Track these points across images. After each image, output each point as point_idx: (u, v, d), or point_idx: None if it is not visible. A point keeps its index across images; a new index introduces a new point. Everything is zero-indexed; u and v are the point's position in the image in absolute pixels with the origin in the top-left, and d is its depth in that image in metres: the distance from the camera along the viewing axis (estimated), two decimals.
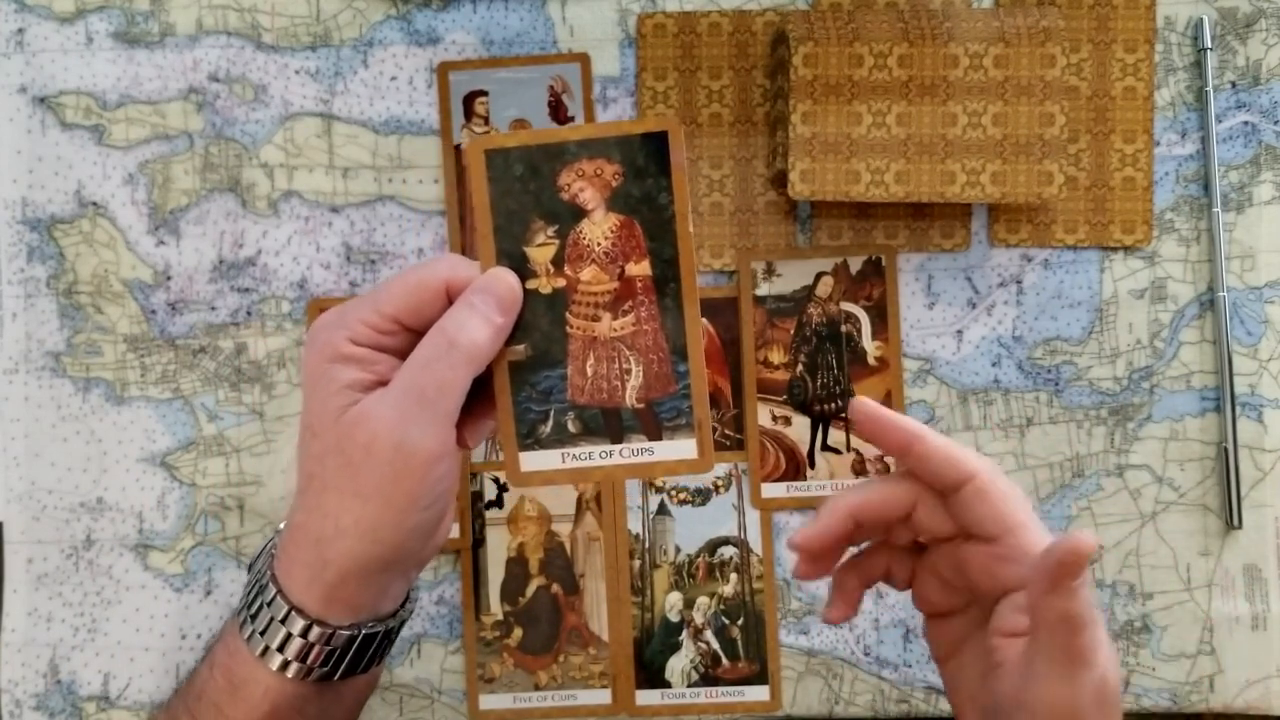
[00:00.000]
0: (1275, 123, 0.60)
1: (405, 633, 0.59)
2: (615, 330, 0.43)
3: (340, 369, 0.41)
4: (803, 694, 0.60)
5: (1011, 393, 0.60)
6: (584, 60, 0.60)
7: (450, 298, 0.42)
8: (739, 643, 0.59)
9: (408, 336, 0.42)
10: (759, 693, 0.59)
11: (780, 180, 0.58)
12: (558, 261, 0.43)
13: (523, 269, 0.42)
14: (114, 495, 0.60)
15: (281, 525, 0.46)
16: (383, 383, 0.41)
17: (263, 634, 0.43)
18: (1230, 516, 0.58)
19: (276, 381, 0.60)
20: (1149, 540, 0.59)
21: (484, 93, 0.60)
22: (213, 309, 0.60)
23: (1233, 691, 0.59)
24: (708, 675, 0.59)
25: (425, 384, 0.41)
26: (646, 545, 0.60)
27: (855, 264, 0.60)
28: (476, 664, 0.59)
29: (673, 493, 0.60)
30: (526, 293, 0.42)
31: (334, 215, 0.60)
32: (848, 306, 0.60)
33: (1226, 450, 0.59)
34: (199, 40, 0.60)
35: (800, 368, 0.60)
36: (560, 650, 0.59)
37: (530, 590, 0.60)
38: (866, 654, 0.60)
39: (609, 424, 0.43)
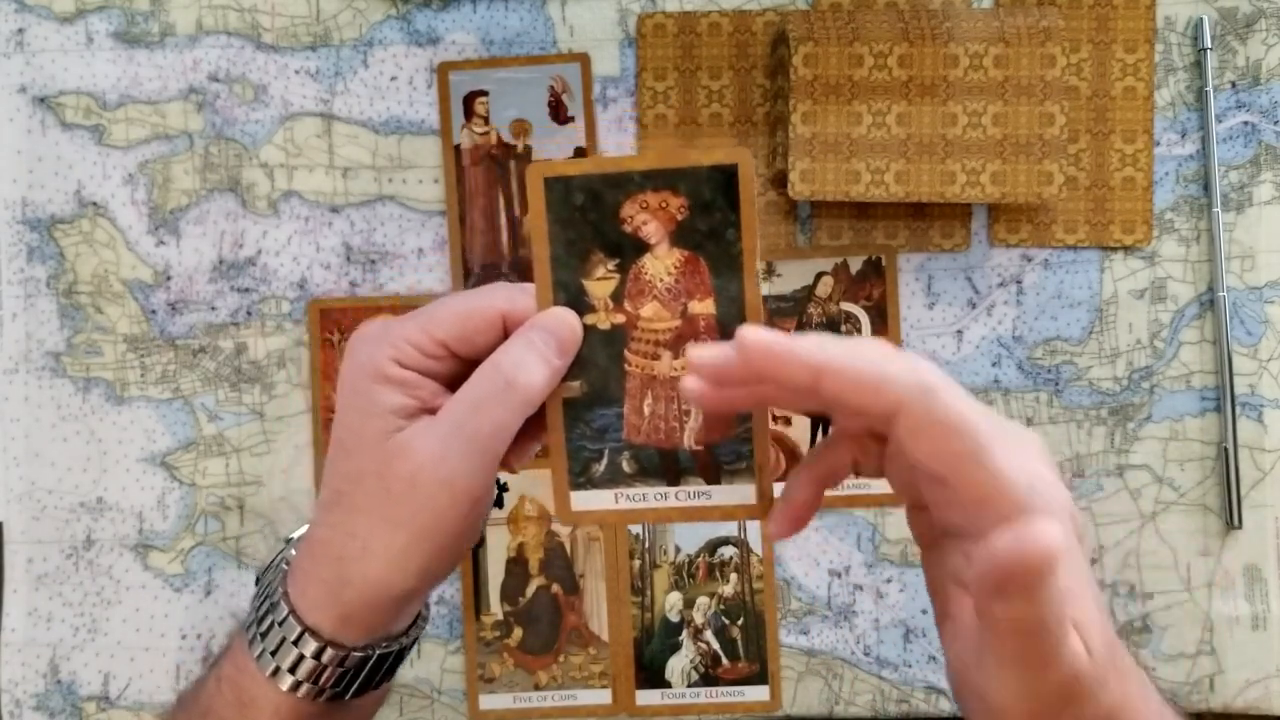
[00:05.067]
0: (1275, 123, 0.60)
1: None
2: (676, 370, 0.40)
3: (383, 391, 0.40)
4: (803, 694, 0.60)
5: (1011, 393, 0.60)
6: (584, 60, 0.60)
7: (506, 330, 0.40)
8: (739, 643, 0.59)
9: (454, 363, 0.41)
10: (759, 693, 0.59)
11: (780, 180, 0.58)
12: (617, 296, 0.40)
13: (580, 302, 0.40)
14: (114, 495, 0.60)
15: (292, 535, 0.45)
16: (426, 409, 0.40)
17: (274, 654, 0.41)
18: (1230, 516, 0.58)
19: (276, 381, 0.60)
20: (1149, 540, 0.59)
21: (484, 93, 0.60)
22: (213, 309, 0.60)
23: (1233, 691, 0.59)
24: (708, 675, 0.59)
25: (479, 425, 0.39)
26: (646, 545, 0.60)
27: (855, 264, 0.60)
28: (476, 664, 0.59)
29: None
30: (584, 328, 0.40)
31: (334, 215, 0.60)
32: (848, 306, 0.60)
33: (1227, 450, 0.59)
34: (199, 40, 0.60)
35: None
36: (560, 650, 0.59)
37: (530, 590, 0.60)
38: (866, 654, 0.60)
39: (665, 465, 0.41)
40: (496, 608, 0.60)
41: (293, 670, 0.41)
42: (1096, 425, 0.60)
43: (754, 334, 0.34)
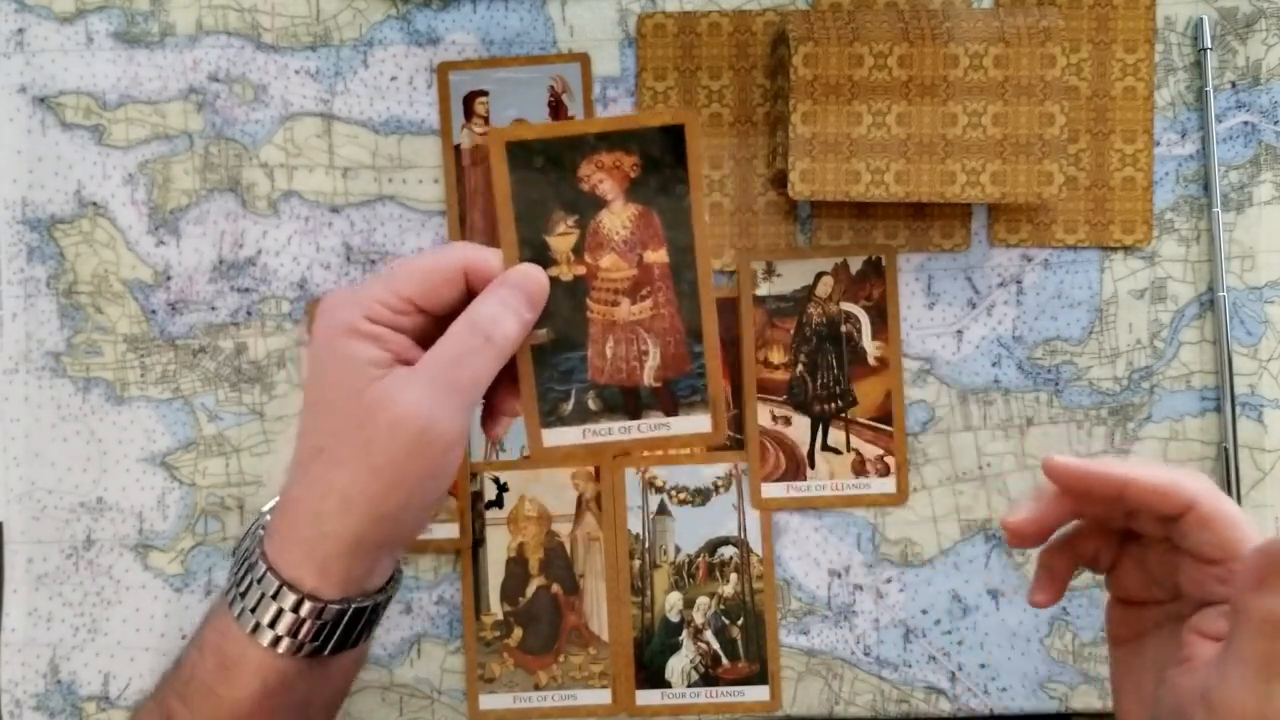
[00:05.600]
0: (1275, 123, 0.60)
1: (406, 632, 0.60)
2: (634, 314, 0.45)
3: (358, 345, 0.42)
4: (803, 694, 0.60)
5: (1011, 393, 0.60)
6: (584, 60, 0.60)
7: (469, 282, 0.43)
8: (739, 643, 0.59)
9: (421, 318, 0.43)
10: (759, 693, 0.59)
11: (780, 180, 0.58)
12: (578, 250, 0.44)
13: (544, 257, 0.44)
14: (114, 495, 0.60)
15: (265, 508, 0.46)
16: (400, 361, 0.42)
17: (253, 610, 0.43)
18: None
19: (276, 381, 0.60)
20: None
21: (484, 93, 0.60)
22: (213, 309, 0.60)
23: None
24: (708, 675, 0.59)
25: (459, 376, 0.42)
26: (646, 545, 0.60)
27: (855, 264, 0.60)
28: (477, 664, 0.59)
29: (673, 493, 0.60)
30: (549, 280, 0.44)
31: (334, 215, 0.60)
32: (848, 306, 0.60)
33: (1227, 450, 0.59)
34: (199, 40, 0.60)
35: (800, 368, 0.60)
36: (560, 650, 0.59)
37: (530, 590, 0.60)
38: (866, 654, 0.60)
39: (628, 402, 0.45)
40: (496, 608, 0.60)
41: (272, 624, 0.43)
42: (1096, 425, 0.60)
43: (1059, 463, 0.43)
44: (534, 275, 0.44)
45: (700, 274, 0.45)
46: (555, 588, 0.60)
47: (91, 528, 0.60)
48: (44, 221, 0.60)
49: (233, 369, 0.60)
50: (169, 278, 0.60)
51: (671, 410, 0.46)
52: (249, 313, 0.60)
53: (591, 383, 0.45)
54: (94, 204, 0.60)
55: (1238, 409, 0.59)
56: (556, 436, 0.45)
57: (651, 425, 0.46)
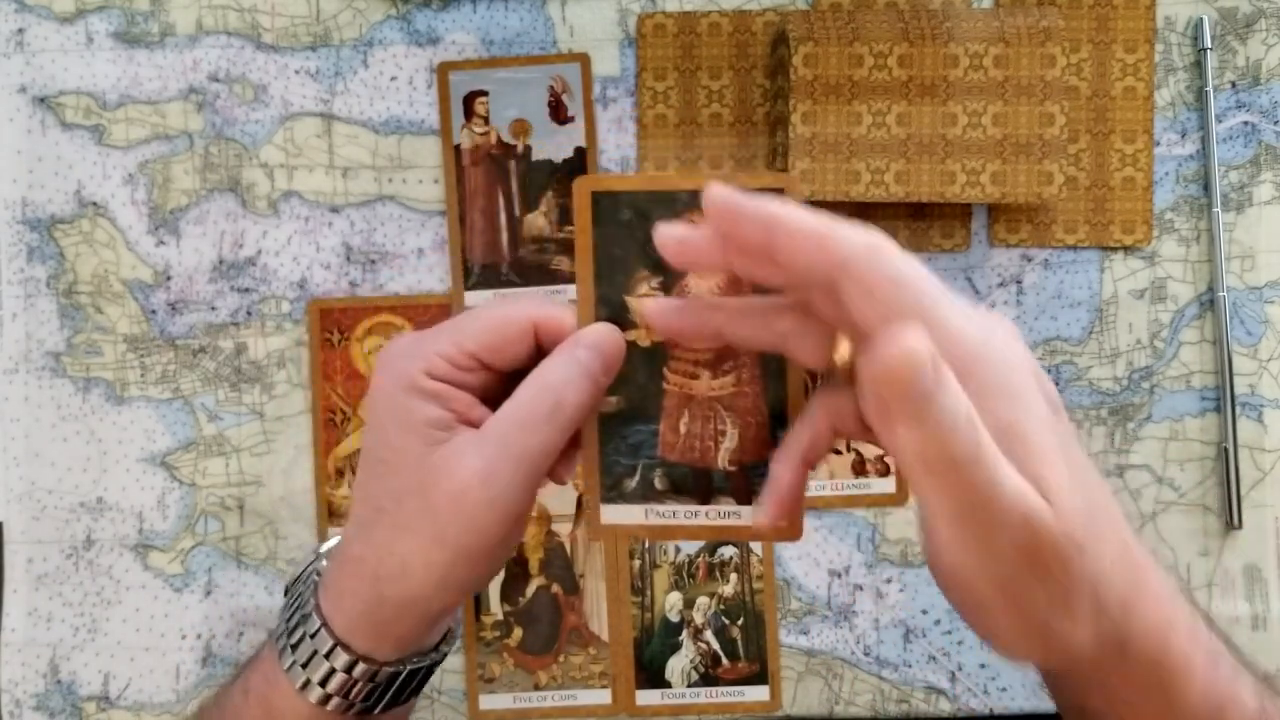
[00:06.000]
0: (1275, 123, 0.60)
1: None
2: (713, 390, 0.41)
3: (419, 404, 0.39)
4: (803, 694, 0.60)
5: None
6: (584, 60, 0.60)
7: (538, 339, 0.40)
8: (739, 643, 0.59)
9: (486, 374, 0.40)
10: (759, 693, 0.59)
11: None
12: None
13: (622, 318, 0.40)
14: (114, 495, 0.60)
15: (323, 548, 0.44)
16: (462, 421, 0.40)
17: (304, 666, 0.41)
18: (1230, 517, 0.59)
19: (276, 381, 0.60)
20: (1149, 540, 0.59)
21: (484, 93, 0.60)
22: (213, 309, 0.60)
23: None
24: (708, 675, 0.59)
25: (528, 444, 0.39)
26: (646, 545, 0.60)
27: None
28: (477, 664, 0.59)
29: None
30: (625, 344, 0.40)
31: (334, 215, 0.60)
32: None
33: (1226, 450, 0.59)
34: (199, 40, 0.60)
35: None
36: (560, 650, 0.59)
37: (530, 590, 0.60)
38: (866, 654, 0.60)
39: (698, 483, 0.41)
40: (496, 608, 0.60)
41: (323, 684, 0.41)
42: (1096, 425, 0.60)
43: (720, 193, 0.34)
44: (611, 337, 0.39)
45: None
46: (555, 588, 0.60)
47: (91, 528, 0.60)
48: (44, 221, 0.60)
49: (233, 369, 0.60)
50: (169, 278, 0.60)
51: (745, 499, 0.41)
52: (249, 313, 0.60)
53: (661, 459, 0.41)
54: (94, 204, 0.60)
55: (1238, 409, 0.59)
56: (617, 514, 0.41)
57: (720, 513, 0.41)
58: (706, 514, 0.41)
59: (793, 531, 0.39)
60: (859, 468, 0.60)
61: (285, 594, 0.44)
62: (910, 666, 0.60)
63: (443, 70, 0.60)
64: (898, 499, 0.59)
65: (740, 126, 0.60)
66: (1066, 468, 0.32)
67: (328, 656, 0.40)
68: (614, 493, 0.41)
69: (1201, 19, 0.60)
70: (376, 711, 0.42)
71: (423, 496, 0.39)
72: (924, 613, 0.60)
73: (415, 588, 0.40)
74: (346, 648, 0.40)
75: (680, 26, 0.60)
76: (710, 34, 0.60)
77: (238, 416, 0.60)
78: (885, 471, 0.60)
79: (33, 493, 0.60)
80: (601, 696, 0.59)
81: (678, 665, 0.59)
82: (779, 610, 0.60)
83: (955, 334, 0.32)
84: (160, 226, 0.60)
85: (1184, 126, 0.60)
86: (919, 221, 0.60)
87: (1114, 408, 0.60)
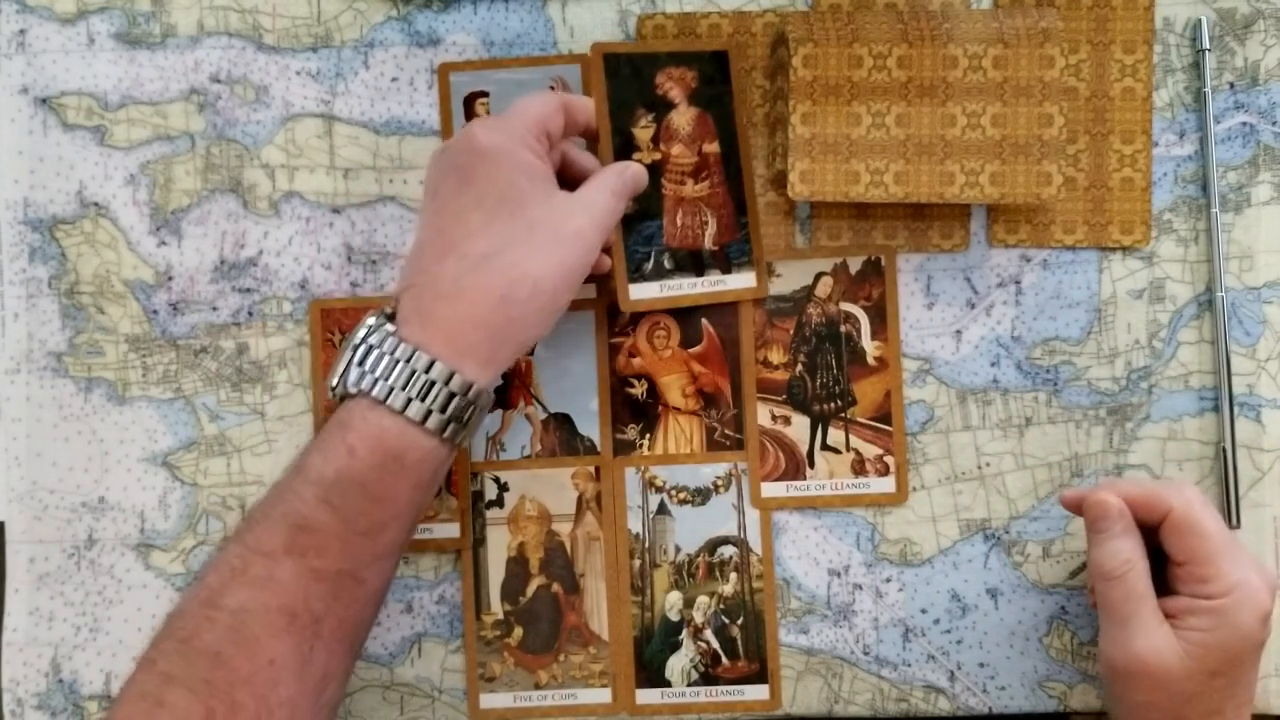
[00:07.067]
0: (1273, 123, 0.60)
1: (406, 631, 0.60)
2: (696, 192, 0.58)
3: (538, 161, 0.51)
4: (802, 693, 0.60)
5: (1010, 393, 0.60)
6: (584, 61, 0.60)
7: (567, 113, 0.54)
8: (739, 642, 0.60)
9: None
10: (759, 692, 0.59)
11: (780, 181, 0.58)
12: (654, 140, 0.58)
13: (630, 144, 0.57)
14: (116, 495, 0.60)
15: (387, 309, 0.50)
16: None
17: (422, 400, 0.47)
18: (1229, 516, 0.59)
19: (278, 381, 0.60)
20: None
21: (485, 94, 0.60)
22: (214, 309, 0.60)
23: None
24: (708, 674, 0.59)
25: (616, 210, 0.53)
26: (646, 545, 0.60)
27: (855, 264, 0.60)
28: (477, 663, 0.60)
29: (672, 492, 0.60)
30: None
31: (335, 216, 0.61)
32: (847, 306, 0.60)
33: (1225, 450, 0.59)
34: (200, 41, 0.60)
35: (800, 368, 0.60)
36: (560, 649, 0.60)
37: (531, 589, 0.60)
38: (866, 653, 0.60)
39: (694, 261, 0.58)
40: (497, 607, 0.60)
41: (443, 409, 0.48)
42: (1095, 425, 0.60)
43: (1066, 499, 0.55)
44: (641, 171, 0.56)
45: (743, 162, 0.58)
46: (555, 587, 0.60)
47: (93, 527, 0.60)
48: (46, 222, 0.60)
49: (234, 369, 0.60)
50: (170, 278, 0.60)
51: (726, 269, 0.58)
52: (250, 313, 0.60)
53: (666, 246, 0.58)
54: (95, 204, 0.60)
55: (1236, 409, 0.59)
56: (640, 291, 0.57)
57: (711, 282, 0.58)
58: (701, 283, 0.58)
59: (761, 290, 0.59)
60: (859, 468, 0.60)
61: (331, 393, 0.49)
62: (909, 666, 0.60)
63: (443, 71, 0.60)
64: (897, 499, 0.60)
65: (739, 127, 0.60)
66: (1223, 646, 0.49)
67: (447, 383, 0.48)
68: (637, 274, 0.57)
69: (1200, 20, 0.60)
70: (458, 439, 0.49)
71: (553, 230, 0.50)
72: (923, 612, 0.60)
73: (540, 305, 0.49)
74: (459, 373, 0.48)
75: (680, 27, 0.60)
76: (710, 35, 0.60)
77: (239, 416, 0.60)
78: (884, 471, 0.60)
79: (34, 492, 0.60)
80: (602, 695, 0.59)
81: (678, 664, 0.59)
82: (779, 609, 0.60)
83: (1229, 569, 0.49)
84: (162, 227, 0.60)
85: (1182, 127, 0.60)
86: (918, 222, 0.60)
87: (1112, 408, 0.60)
